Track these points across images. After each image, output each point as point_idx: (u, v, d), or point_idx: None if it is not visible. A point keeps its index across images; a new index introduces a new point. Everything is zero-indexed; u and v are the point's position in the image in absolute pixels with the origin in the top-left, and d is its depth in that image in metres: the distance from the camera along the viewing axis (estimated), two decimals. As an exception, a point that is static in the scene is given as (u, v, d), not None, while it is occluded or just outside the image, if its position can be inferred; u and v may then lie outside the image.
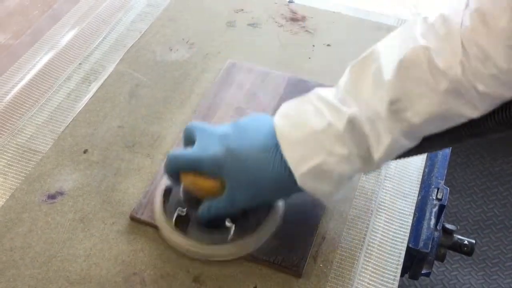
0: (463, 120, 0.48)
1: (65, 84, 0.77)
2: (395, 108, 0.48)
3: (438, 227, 0.70)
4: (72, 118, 0.72)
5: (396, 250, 0.60)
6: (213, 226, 0.58)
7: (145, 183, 0.65)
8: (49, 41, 0.83)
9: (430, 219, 0.65)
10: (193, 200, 0.58)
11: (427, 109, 0.47)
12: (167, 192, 0.61)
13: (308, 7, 0.89)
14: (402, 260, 0.59)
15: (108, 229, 0.61)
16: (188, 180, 0.57)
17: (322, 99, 0.52)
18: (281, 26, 0.86)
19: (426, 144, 0.52)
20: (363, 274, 0.58)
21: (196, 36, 0.85)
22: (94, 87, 0.77)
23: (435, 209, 0.66)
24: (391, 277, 0.57)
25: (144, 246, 0.59)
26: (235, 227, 0.57)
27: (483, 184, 1.63)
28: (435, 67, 0.46)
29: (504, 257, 1.49)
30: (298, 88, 0.75)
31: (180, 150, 0.59)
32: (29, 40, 0.83)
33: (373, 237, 0.61)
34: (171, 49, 0.82)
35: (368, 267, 0.58)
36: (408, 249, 0.61)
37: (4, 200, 0.63)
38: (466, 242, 0.73)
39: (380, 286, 0.57)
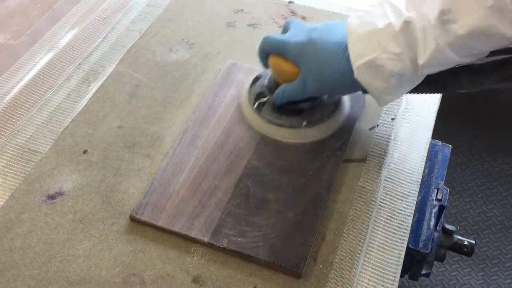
0: (503, 42, 0.52)
1: (65, 85, 0.77)
2: (445, 18, 0.52)
3: (438, 227, 0.70)
4: (71, 118, 0.72)
5: (396, 251, 0.60)
6: (285, 112, 0.67)
7: (145, 183, 0.65)
8: (49, 41, 0.83)
9: (430, 219, 0.65)
10: (273, 86, 0.67)
11: (472, 22, 0.51)
12: (255, 79, 0.72)
13: (308, 7, 0.89)
14: (401, 260, 0.59)
15: (108, 229, 0.61)
16: (273, 61, 0.65)
17: (392, 5, 0.57)
18: (281, 27, 0.86)
19: (432, 83, 0.59)
20: (363, 275, 0.58)
21: (196, 36, 0.85)
22: (94, 88, 0.77)
23: (435, 210, 0.66)
24: (391, 277, 0.57)
25: (144, 246, 0.59)
26: (302, 116, 0.67)
27: (483, 185, 1.63)
28: None
29: (504, 258, 1.49)
30: (298, 88, 0.76)
31: (272, 34, 0.66)
32: (29, 40, 0.83)
33: (373, 237, 0.61)
34: (171, 50, 0.82)
35: (368, 268, 0.58)
36: (408, 250, 0.61)
37: (4, 201, 0.63)
38: (466, 242, 0.73)
39: (380, 286, 0.57)
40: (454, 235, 0.73)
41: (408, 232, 0.61)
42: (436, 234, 0.69)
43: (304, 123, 0.67)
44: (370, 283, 0.57)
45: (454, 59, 0.55)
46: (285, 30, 0.67)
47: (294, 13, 0.88)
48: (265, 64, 0.68)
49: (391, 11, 0.57)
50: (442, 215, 0.69)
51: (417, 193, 0.65)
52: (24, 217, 0.62)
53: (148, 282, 0.57)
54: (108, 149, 0.69)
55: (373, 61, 0.57)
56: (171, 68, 0.80)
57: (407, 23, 0.55)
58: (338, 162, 0.66)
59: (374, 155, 0.68)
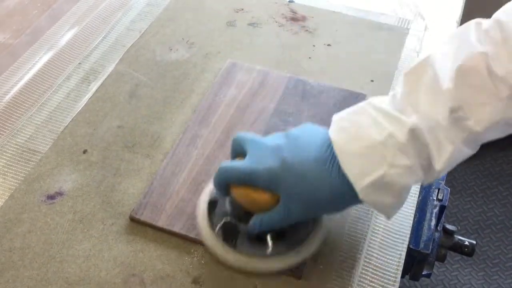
0: None
1: (64, 84, 0.77)
2: (456, 116, 0.48)
3: (438, 227, 0.70)
4: (71, 118, 0.72)
5: (397, 251, 0.59)
6: (257, 239, 0.57)
7: (145, 183, 0.65)
8: (49, 40, 0.83)
9: (430, 220, 0.65)
10: (241, 213, 0.56)
11: (489, 117, 0.47)
12: (212, 205, 0.59)
13: (309, 6, 0.89)
14: (402, 261, 0.59)
15: (108, 229, 0.61)
16: (240, 194, 0.55)
17: (379, 110, 0.51)
18: (281, 26, 0.86)
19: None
20: (364, 275, 0.57)
21: (196, 35, 0.84)
22: (94, 87, 0.76)
23: (435, 210, 0.66)
24: (392, 278, 0.57)
25: (143, 247, 0.59)
26: (283, 240, 0.57)
27: (483, 184, 1.63)
28: (495, 74, 0.46)
29: (505, 257, 1.49)
30: (298, 88, 0.75)
31: (230, 162, 0.56)
32: (29, 40, 0.83)
33: (374, 238, 0.60)
34: (171, 49, 0.82)
35: (368, 268, 0.58)
36: (409, 250, 0.61)
37: (3, 201, 0.63)
38: (466, 243, 0.73)
39: (380, 287, 0.57)
40: (455, 235, 0.73)
41: (409, 232, 0.61)
42: (437, 235, 0.69)
43: (270, 249, 0.57)
44: (371, 283, 0.57)
45: (469, 153, 0.51)
46: (236, 151, 0.57)
47: (294, 13, 0.88)
48: (225, 194, 0.57)
49: (385, 119, 0.50)
50: (443, 215, 0.69)
51: (417, 193, 0.65)
52: (24, 217, 0.62)
53: (148, 283, 0.56)
54: (108, 149, 0.69)
55: (380, 179, 0.49)
56: (171, 67, 0.79)
57: (412, 131, 0.48)
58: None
59: (375, 155, 0.68)
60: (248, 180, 0.54)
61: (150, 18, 0.87)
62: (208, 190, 0.61)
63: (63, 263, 0.58)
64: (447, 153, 0.48)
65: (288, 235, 0.57)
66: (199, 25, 0.86)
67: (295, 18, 0.87)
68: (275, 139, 0.55)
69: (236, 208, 0.57)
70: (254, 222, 0.55)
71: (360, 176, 0.50)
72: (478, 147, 0.51)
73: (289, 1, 0.90)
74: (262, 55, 0.81)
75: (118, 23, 0.86)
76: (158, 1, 0.91)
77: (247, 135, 0.57)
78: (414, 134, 0.48)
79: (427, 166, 0.50)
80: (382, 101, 0.52)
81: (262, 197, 0.54)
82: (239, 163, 0.55)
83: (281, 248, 0.57)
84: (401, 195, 0.51)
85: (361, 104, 0.53)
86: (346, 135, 0.51)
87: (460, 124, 0.48)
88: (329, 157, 0.51)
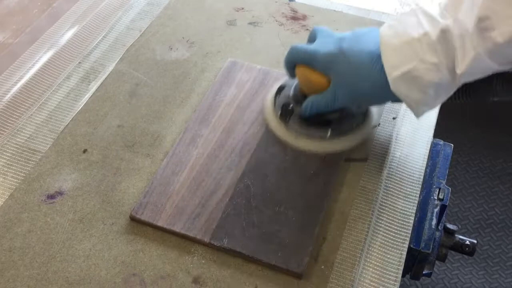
0: None
1: (64, 83, 0.77)
2: (483, 25, 0.51)
3: (439, 227, 0.70)
4: (71, 117, 0.72)
5: (398, 251, 0.59)
6: (312, 122, 0.65)
7: (145, 183, 0.65)
8: (49, 39, 0.83)
9: (431, 219, 0.64)
10: (300, 96, 0.66)
11: (511, 30, 0.50)
12: (280, 89, 0.69)
13: (309, 5, 0.89)
14: (403, 260, 0.58)
15: (108, 229, 0.61)
16: (300, 72, 0.63)
17: (425, 12, 0.56)
18: (281, 25, 0.86)
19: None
20: (364, 275, 0.57)
21: (196, 35, 0.84)
22: (94, 86, 0.76)
23: (436, 209, 0.66)
24: (393, 277, 0.57)
25: (144, 246, 0.59)
26: (331, 128, 0.65)
27: (484, 183, 1.62)
28: None
29: (505, 256, 1.49)
30: (299, 87, 0.75)
31: (301, 44, 0.64)
32: (29, 39, 0.83)
33: (374, 237, 0.60)
34: (171, 48, 0.82)
35: (369, 268, 0.58)
36: (410, 250, 0.61)
37: (3, 200, 0.63)
38: (467, 242, 0.72)
39: (381, 287, 0.56)
40: (456, 235, 0.72)
41: (410, 232, 0.61)
42: (437, 234, 0.69)
43: (329, 134, 0.66)
44: (372, 283, 0.57)
45: (493, 67, 0.54)
46: (311, 38, 0.66)
47: (295, 12, 0.88)
48: (292, 74, 0.66)
49: (426, 20, 0.55)
50: (444, 215, 0.69)
51: (418, 192, 0.65)
52: (24, 217, 0.61)
53: (148, 282, 0.56)
54: (108, 148, 0.69)
55: (410, 72, 0.55)
56: (171, 67, 0.79)
57: (444, 32, 0.53)
58: (338, 161, 0.66)
59: (376, 155, 0.68)
60: (309, 60, 0.62)
61: (150, 17, 0.87)
62: (279, 83, 0.71)
63: (63, 262, 0.58)
64: (469, 58, 0.53)
65: (334, 125, 0.66)
66: (199, 24, 0.86)
67: (295, 17, 0.87)
68: (341, 33, 0.63)
69: (297, 91, 0.67)
70: (306, 103, 0.64)
71: (394, 68, 0.56)
72: (505, 64, 0.54)
73: (289, 0, 0.90)
74: (263, 54, 0.81)
75: (118, 22, 0.86)
76: (158, 0, 0.90)
77: (323, 27, 0.65)
78: (444, 35, 0.53)
79: (451, 68, 0.54)
80: (429, 6, 0.56)
81: (318, 79, 0.62)
82: (305, 45, 0.64)
83: (323, 133, 0.65)
84: (426, 91, 0.56)
85: (413, 7, 0.58)
86: (392, 32, 0.57)
87: (485, 34, 0.51)
88: (379, 53, 0.57)
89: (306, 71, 0.63)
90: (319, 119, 0.65)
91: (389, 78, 0.56)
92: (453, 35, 0.53)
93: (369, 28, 0.62)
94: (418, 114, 0.60)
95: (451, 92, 0.59)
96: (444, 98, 0.59)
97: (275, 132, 0.67)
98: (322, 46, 0.62)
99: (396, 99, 0.59)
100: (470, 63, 0.53)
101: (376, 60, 0.58)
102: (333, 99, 0.61)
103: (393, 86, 0.57)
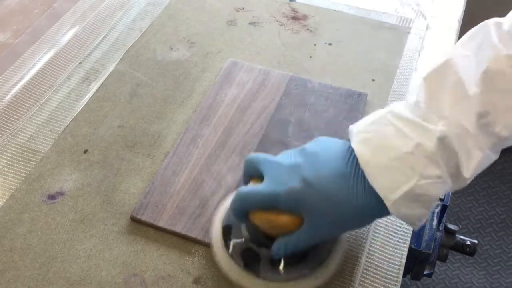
0: None
1: (65, 84, 0.77)
2: (483, 122, 0.47)
3: (440, 227, 0.70)
4: (72, 117, 0.72)
5: (398, 251, 0.59)
6: (287, 262, 0.55)
7: (146, 183, 0.65)
8: (49, 40, 0.83)
9: (432, 219, 0.64)
10: (261, 238, 0.54)
11: None
12: (227, 230, 0.58)
13: (310, 5, 0.89)
14: (404, 261, 0.58)
15: (109, 229, 0.61)
16: (261, 219, 0.52)
17: (401, 118, 0.49)
18: (282, 25, 0.86)
19: None
20: (365, 275, 0.57)
21: (196, 35, 0.84)
22: (95, 87, 0.76)
23: (437, 210, 0.66)
24: (394, 278, 0.57)
25: (144, 247, 0.59)
26: (305, 262, 0.55)
27: (485, 183, 1.62)
28: None
29: (506, 256, 1.49)
30: (299, 87, 0.75)
31: (248, 187, 0.54)
32: (29, 39, 0.83)
33: (375, 238, 0.60)
34: (171, 48, 0.82)
35: (370, 268, 0.58)
36: (411, 250, 0.61)
37: (4, 201, 0.63)
38: (468, 242, 0.72)
39: (382, 287, 0.56)
40: (457, 235, 0.72)
41: (411, 232, 0.61)
42: (438, 234, 0.69)
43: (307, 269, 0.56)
44: (373, 283, 0.57)
45: (494, 159, 0.51)
46: (249, 173, 0.55)
47: (295, 12, 0.88)
48: (243, 220, 0.54)
49: (409, 128, 0.48)
50: (445, 215, 0.69)
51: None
52: (25, 217, 0.61)
53: (149, 283, 0.56)
54: (109, 148, 0.69)
55: (411, 191, 0.48)
56: (171, 67, 0.79)
57: (441, 139, 0.47)
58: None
59: (376, 155, 0.68)
60: (269, 204, 0.51)
61: (151, 17, 0.87)
62: (222, 210, 0.60)
63: (64, 263, 0.58)
64: (476, 160, 0.48)
65: (309, 256, 0.55)
66: (200, 24, 0.86)
67: (296, 17, 0.87)
68: (290, 157, 0.53)
69: (255, 234, 0.55)
70: (279, 245, 0.52)
71: (390, 189, 0.48)
72: (499, 152, 0.51)
73: (290, 0, 0.90)
74: (263, 54, 0.81)
75: (119, 23, 0.86)
76: (158, 0, 0.90)
77: (260, 155, 0.55)
78: (443, 142, 0.47)
79: (456, 174, 0.49)
80: (402, 108, 0.50)
81: (286, 220, 0.51)
82: (258, 188, 0.52)
83: (304, 270, 0.55)
84: (430, 205, 0.50)
85: (380, 113, 0.51)
86: (370, 148, 0.49)
87: (487, 130, 0.47)
88: (352, 172, 0.50)
89: (269, 215, 0.52)
90: (292, 256, 0.54)
91: (387, 202, 0.48)
92: (451, 139, 0.47)
93: (315, 143, 0.54)
94: (417, 227, 0.53)
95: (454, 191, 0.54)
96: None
97: (244, 284, 0.55)
98: (278, 184, 0.51)
99: (385, 215, 0.52)
100: (478, 164, 0.48)
101: (354, 182, 0.50)
102: (313, 236, 0.52)
103: (392, 209, 0.49)
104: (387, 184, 0.48)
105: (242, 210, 0.53)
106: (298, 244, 0.52)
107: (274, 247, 0.53)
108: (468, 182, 0.51)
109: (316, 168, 0.51)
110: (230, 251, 0.56)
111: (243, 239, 0.56)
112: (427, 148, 0.47)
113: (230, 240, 0.57)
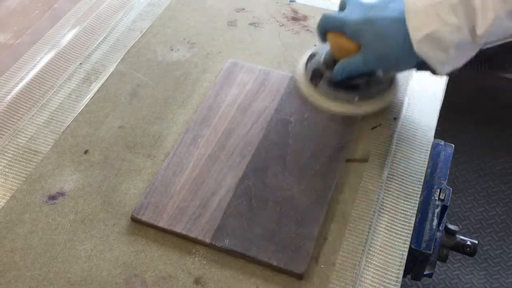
0: None
1: (65, 84, 0.77)
2: None
3: (440, 227, 0.70)
4: (72, 118, 0.72)
5: (399, 251, 0.59)
6: (341, 87, 0.70)
7: (146, 183, 0.65)
8: (50, 40, 0.83)
9: (432, 219, 0.64)
10: (331, 62, 0.70)
11: None
12: (311, 56, 0.74)
13: (310, 6, 0.89)
14: (404, 261, 0.59)
15: (109, 230, 0.61)
16: (332, 38, 0.68)
17: None
18: (282, 26, 0.86)
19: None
20: (365, 276, 0.57)
21: (197, 35, 0.84)
22: (95, 87, 0.76)
23: (437, 210, 0.66)
24: (394, 278, 0.57)
25: (145, 247, 0.59)
26: (358, 92, 0.70)
27: (485, 183, 1.62)
28: None
29: (506, 257, 1.49)
30: (299, 87, 0.75)
31: (332, 13, 0.69)
32: (30, 40, 0.83)
33: (375, 238, 0.60)
34: (172, 49, 0.82)
35: (370, 269, 0.58)
36: (411, 250, 0.61)
37: (5, 201, 0.63)
38: (468, 242, 0.72)
39: (382, 287, 0.56)
40: (457, 235, 0.72)
41: (411, 232, 0.61)
42: (438, 234, 0.69)
43: (357, 97, 0.70)
44: (373, 284, 0.57)
45: (509, 28, 0.57)
46: (341, 7, 0.70)
47: (295, 12, 0.88)
48: (323, 40, 0.70)
49: None
50: (445, 215, 0.69)
51: (419, 193, 0.65)
52: (25, 218, 0.62)
53: (150, 283, 0.56)
54: (109, 149, 0.69)
55: (432, 33, 0.58)
56: (172, 67, 0.79)
57: None
58: (341, 160, 0.66)
59: (376, 155, 0.68)
60: (339, 27, 0.66)
61: (151, 18, 0.87)
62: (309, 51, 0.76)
63: (65, 263, 0.58)
64: (489, 20, 0.55)
65: (362, 89, 0.70)
66: (200, 25, 0.86)
67: (296, 18, 0.87)
68: (372, 1, 0.66)
69: (327, 57, 0.71)
70: (338, 67, 0.68)
71: (417, 30, 0.59)
72: None
73: (290, 1, 0.90)
74: (263, 55, 0.81)
75: (119, 23, 0.86)
76: (159, 1, 0.90)
77: None
78: None
79: (472, 29, 0.57)
80: None
81: (348, 44, 0.66)
82: (336, 14, 0.68)
83: (350, 97, 0.70)
84: (448, 51, 0.59)
85: None
86: None
87: None
88: (402, 18, 0.60)
89: (337, 37, 0.67)
90: (347, 83, 0.69)
91: (413, 40, 0.59)
92: None
93: None
94: (442, 72, 0.63)
95: (473, 53, 0.61)
96: (465, 58, 0.61)
97: (306, 95, 0.73)
98: (351, 14, 0.66)
99: (420, 66, 0.63)
100: (491, 24, 0.55)
101: (400, 25, 0.61)
102: (362, 63, 0.65)
103: (416, 48, 0.60)
104: (416, 25, 0.59)
105: (322, 28, 0.69)
106: (350, 67, 0.67)
107: (335, 68, 0.68)
108: (482, 42, 0.59)
109: (380, 11, 0.64)
110: (306, 67, 0.74)
111: (319, 62, 0.72)
112: (452, 0, 0.57)
113: (310, 60, 0.74)
